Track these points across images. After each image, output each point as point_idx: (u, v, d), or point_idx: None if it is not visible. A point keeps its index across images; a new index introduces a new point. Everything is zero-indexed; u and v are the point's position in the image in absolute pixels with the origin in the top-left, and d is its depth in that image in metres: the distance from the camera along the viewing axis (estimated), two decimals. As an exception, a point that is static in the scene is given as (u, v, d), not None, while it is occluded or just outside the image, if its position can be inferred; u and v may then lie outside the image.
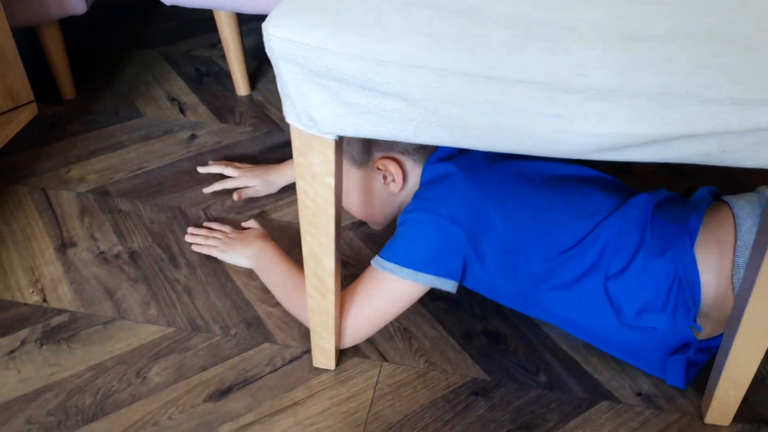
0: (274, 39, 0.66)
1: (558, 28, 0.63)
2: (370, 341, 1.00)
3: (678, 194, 0.98)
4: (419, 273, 0.90)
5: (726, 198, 0.92)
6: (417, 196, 0.97)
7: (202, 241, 1.14)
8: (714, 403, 0.87)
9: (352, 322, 0.94)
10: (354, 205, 1.06)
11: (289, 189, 1.25)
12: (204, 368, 0.97)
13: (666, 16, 0.64)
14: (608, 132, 0.64)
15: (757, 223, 0.85)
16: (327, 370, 0.96)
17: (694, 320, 0.86)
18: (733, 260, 0.85)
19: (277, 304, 1.05)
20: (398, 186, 1.00)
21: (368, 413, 0.91)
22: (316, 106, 0.69)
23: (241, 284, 1.09)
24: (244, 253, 1.10)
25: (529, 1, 0.66)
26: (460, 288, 0.94)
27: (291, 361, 0.98)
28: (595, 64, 0.61)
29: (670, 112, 0.62)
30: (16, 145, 1.35)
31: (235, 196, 1.23)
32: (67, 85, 1.49)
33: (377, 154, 0.99)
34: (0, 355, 0.98)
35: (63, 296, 1.06)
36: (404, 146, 0.99)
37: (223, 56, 1.55)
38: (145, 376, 0.95)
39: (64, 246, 1.15)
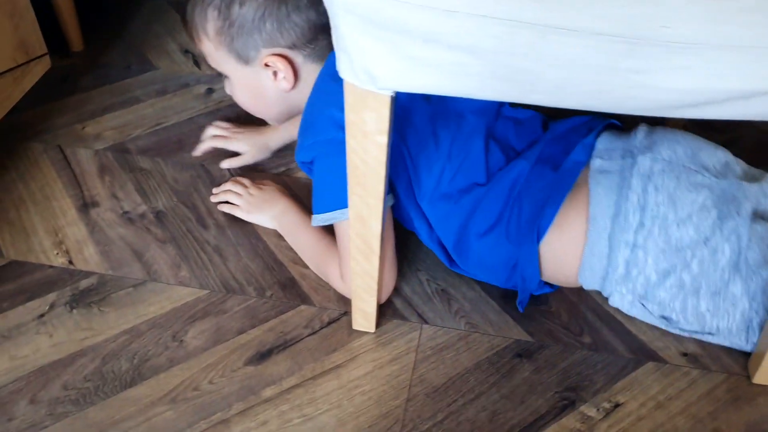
0: None
1: None
2: (408, 302, 0.98)
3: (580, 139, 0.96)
4: (339, 212, 0.90)
5: (591, 174, 0.90)
6: (315, 106, 0.93)
7: (223, 198, 1.10)
8: (764, 363, 0.87)
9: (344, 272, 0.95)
10: (245, 103, 1.04)
11: (285, 149, 1.20)
12: (242, 331, 0.94)
13: None
14: (690, 87, 0.61)
15: (611, 214, 0.86)
16: (367, 333, 0.94)
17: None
18: (582, 257, 0.89)
19: (311, 265, 1.03)
20: (289, 83, 0.97)
21: (412, 376, 0.90)
22: (374, 61, 0.66)
23: (273, 245, 1.06)
24: (268, 213, 1.07)
25: None
26: None
27: (329, 323, 0.96)
28: (681, 16, 0.57)
29: (758, 66, 0.59)
30: (27, 99, 1.29)
31: (224, 164, 1.17)
32: (75, 38, 1.43)
33: (264, 51, 0.95)
34: (30, 319, 0.95)
35: (90, 258, 1.03)
36: (293, 40, 0.94)
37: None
38: (181, 340, 0.93)
39: (86, 206, 1.11)
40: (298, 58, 0.96)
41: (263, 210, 1.08)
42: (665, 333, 0.94)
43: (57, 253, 1.04)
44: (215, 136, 1.18)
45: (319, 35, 0.95)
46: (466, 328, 0.95)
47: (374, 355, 0.92)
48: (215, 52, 0.97)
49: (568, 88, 0.63)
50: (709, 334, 0.89)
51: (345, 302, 0.98)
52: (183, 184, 1.15)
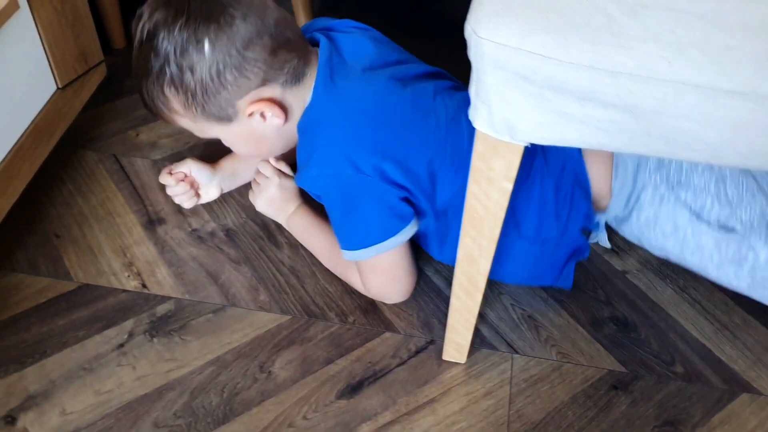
0: (488, 44, 0.59)
1: None
2: (495, 330, 0.96)
3: None
4: (382, 244, 0.89)
5: None
6: (323, 138, 0.87)
7: (260, 179, 1.03)
8: None
9: (376, 293, 0.97)
10: (249, 152, 0.98)
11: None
12: (329, 361, 0.92)
13: None
14: None
15: None
16: (457, 364, 0.93)
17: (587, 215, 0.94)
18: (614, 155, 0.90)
19: (391, 288, 1.01)
20: (281, 119, 0.88)
21: (509, 411, 0.88)
22: (519, 114, 0.63)
23: (348, 265, 1.03)
24: (284, 214, 1.03)
25: None
26: (579, 270, 0.96)
27: (417, 352, 0.94)
28: None
29: None
30: (76, 104, 1.25)
31: (186, 204, 1.06)
32: (117, 35, 1.37)
33: (240, 103, 0.85)
34: (109, 349, 0.92)
35: (163, 281, 1.00)
36: (261, 77, 0.84)
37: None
38: (269, 371, 0.91)
39: (152, 223, 1.08)
40: (276, 91, 0.87)
41: (284, 210, 1.03)
42: (757, 362, 0.94)
43: (128, 276, 1.01)
44: (180, 197, 1.06)
45: (280, 57, 0.85)
46: (557, 358, 0.94)
47: (467, 389, 0.90)
48: (195, 124, 0.89)
49: (729, 148, 0.60)
50: (733, 231, 0.88)
51: (430, 329, 0.96)
52: (249, 199, 1.11)
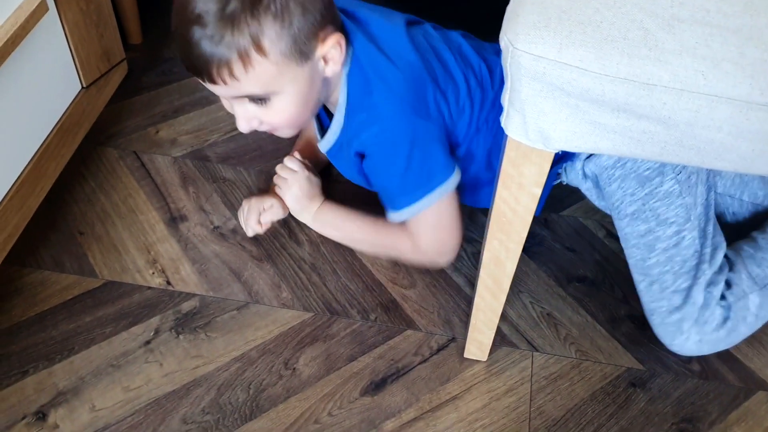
0: (525, 56, 0.60)
1: None
2: (515, 328, 0.98)
3: None
4: (445, 184, 0.90)
5: None
6: (385, 100, 0.86)
7: (281, 182, 1.02)
8: None
9: (434, 251, 0.97)
10: (292, 117, 0.87)
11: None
12: (352, 358, 0.94)
13: None
14: None
15: None
16: (478, 361, 0.94)
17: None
18: None
19: (411, 286, 1.02)
20: (340, 64, 0.85)
21: (530, 408, 0.90)
22: (553, 124, 0.64)
23: (369, 263, 1.05)
24: (310, 212, 1.02)
25: None
26: (596, 268, 0.99)
27: (439, 350, 0.96)
28: None
29: None
30: (95, 100, 1.26)
31: (262, 229, 1.05)
32: (134, 30, 1.37)
33: (320, 35, 0.81)
34: (136, 346, 0.94)
35: (187, 278, 1.02)
36: (332, 16, 0.83)
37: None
38: (294, 368, 0.93)
39: (174, 220, 1.09)
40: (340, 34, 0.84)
41: (310, 207, 1.02)
42: (772, 361, 0.95)
43: (153, 273, 1.02)
44: (258, 219, 1.04)
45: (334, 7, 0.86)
46: (576, 355, 0.95)
47: (489, 386, 0.92)
48: (272, 67, 0.79)
49: (759, 159, 0.61)
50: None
51: (451, 327, 0.98)
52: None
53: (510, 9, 0.63)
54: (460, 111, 0.93)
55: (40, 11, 0.87)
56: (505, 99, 0.65)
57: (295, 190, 1.01)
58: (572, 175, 0.96)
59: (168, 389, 0.90)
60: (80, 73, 1.01)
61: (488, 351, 0.93)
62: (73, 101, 1.00)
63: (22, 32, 0.84)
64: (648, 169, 0.83)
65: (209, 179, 1.15)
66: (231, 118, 1.25)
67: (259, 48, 0.76)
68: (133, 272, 1.02)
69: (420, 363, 0.94)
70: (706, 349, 0.91)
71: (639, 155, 0.65)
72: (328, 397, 0.90)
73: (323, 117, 0.99)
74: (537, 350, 0.96)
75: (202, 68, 0.78)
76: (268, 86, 0.81)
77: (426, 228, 0.94)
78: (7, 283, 0.99)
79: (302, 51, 0.80)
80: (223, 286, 1.01)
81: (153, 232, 1.07)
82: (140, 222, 1.09)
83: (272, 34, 0.76)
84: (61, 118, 0.98)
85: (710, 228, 0.88)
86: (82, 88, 1.03)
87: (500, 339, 0.97)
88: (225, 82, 0.79)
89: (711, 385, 0.93)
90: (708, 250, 0.87)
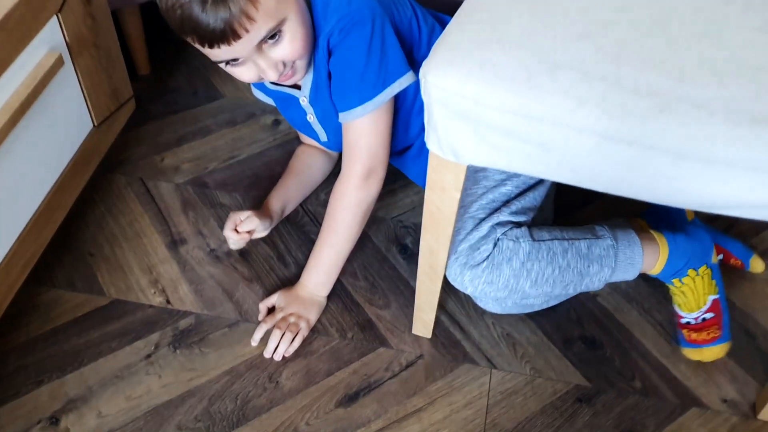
0: (433, 87, 0.72)
1: (692, 104, 0.68)
2: (477, 347, 1.09)
3: None
4: (400, 80, 0.99)
5: None
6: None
7: (285, 344, 1.07)
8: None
9: (369, 160, 1.03)
10: (300, 47, 0.96)
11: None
12: (330, 373, 1.05)
13: None
14: (723, 196, 0.70)
15: None
16: (442, 377, 1.05)
17: None
18: None
19: (386, 307, 1.13)
20: None
21: (485, 420, 1.01)
22: (459, 143, 0.76)
23: (348, 284, 1.16)
24: (317, 308, 1.11)
25: (668, 75, 0.70)
26: None
27: (407, 366, 1.07)
28: (721, 140, 0.66)
29: None
30: (106, 129, 1.38)
31: (236, 247, 1.18)
32: (142, 62, 1.50)
33: None
34: (138, 359, 1.06)
35: (185, 297, 1.14)
36: None
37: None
38: (277, 381, 1.04)
39: (174, 243, 1.21)
40: None
41: (314, 312, 1.10)
42: (708, 380, 1.06)
43: (154, 292, 1.14)
44: (236, 244, 1.17)
45: None
46: (531, 373, 1.06)
47: (450, 399, 1.03)
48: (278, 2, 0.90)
49: (621, 183, 0.73)
50: None
51: (419, 345, 1.09)
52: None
53: (433, 47, 0.75)
54: (419, 30, 1.03)
55: (57, 65, 0.99)
56: (426, 119, 0.77)
57: (311, 317, 1.10)
58: None
59: (165, 399, 1.02)
60: (92, 113, 1.13)
61: (431, 329, 1.07)
62: (85, 139, 1.12)
63: (41, 86, 0.96)
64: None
65: (207, 205, 1.27)
66: (229, 146, 1.37)
67: None
68: (137, 291, 1.14)
69: (390, 378, 1.05)
70: (474, 285, 0.98)
71: (530, 172, 0.77)
72: (307, 408, 1.02)
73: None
74: (495, 367, 1.07)
75: (226, 28, 0.86)
76: (277, 14, 0.90)
77: (364, 136, 1.02)
78: (25, 301, 1.11)
79: None
80: (217, 305, 1.13)
81: (155, 254, 1.19)
82: (144, 245, 1.21)
83: None
84: (74, 155, 1.10)
85: (536, 196, 1.01)
86: (94, 126, 1.15)
87: (463, 356, 1.08)
88: (247, 30, 0.88)
89: (650, 401, 1.04)
90: (520, 205, 0.98)
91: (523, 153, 0.74)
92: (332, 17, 0.96)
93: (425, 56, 0.83)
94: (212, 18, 0.85)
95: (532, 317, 1.13)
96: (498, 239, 0.96)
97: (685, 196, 0.73)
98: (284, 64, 0.97)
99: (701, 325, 1.05)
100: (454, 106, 0.72)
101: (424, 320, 1.07)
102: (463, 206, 0.99)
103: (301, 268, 1.18)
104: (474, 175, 1.01)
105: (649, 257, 1.04)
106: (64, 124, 1.08)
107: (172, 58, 1.56)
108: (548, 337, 1.10)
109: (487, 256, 0.96)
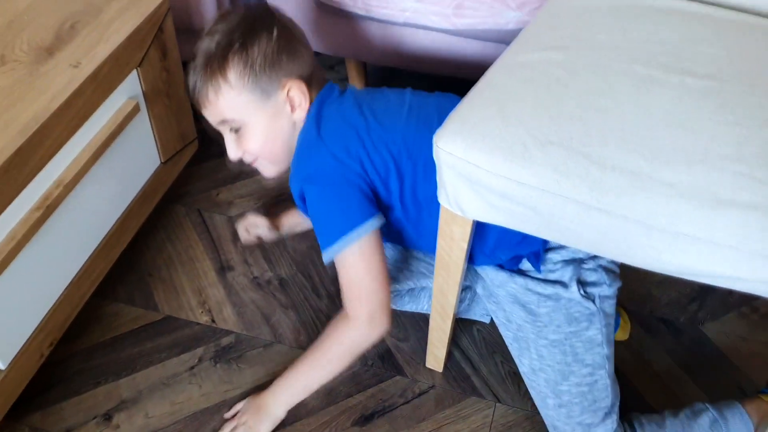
0: (442, 151, 0.84)
1: (662, 183, 0.78)
2: (485, 382, 1.20)
3: None
4: (352, 233, 0.95)
5: None
6: (318, 142, 0.99)
7: None
8: None
9: (367, 303, 1.00)
10: (260, 149, 1.05)
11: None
12: (349, 395, 1.18)
13: (752, 186, 0.77)
14: (689, 265, 0.80)
15: None
16: (450, 406, 1.17)
17: None
18: None
19: (405, 339, 1.25)
20: (304, 111, 1.03)
21: (486, 448, 1.12)
22: (464, 200, 0.88)
23: (374, 317, 1.29)
24: (268, 426, 1.11)
25: (644, 157, 0.80)
26: None
27: (420, 394, 1.18)
28: (685, 217, 0.77)
29: (740, 262, 0.77)
30: (171, 164, 1.55)
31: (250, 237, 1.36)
32: (208, 105, 1.67)
33: (285, 80, 1.02)
34: (183, 370, 1.21)
35: (228, 318, 1.28)
36: (301, 71, 1.03)
37: (342, 79, 1.71)
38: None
39: (223, 269, 1.36)
40: (307, 87, 1.04)
41: (265, 425, 1.10)
42: None
43: (202, 312, 1.29)
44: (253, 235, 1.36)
45: (314, 67, 1.06)
46: (531, 409, 1.16)
47: (456, 427, 1.14)
48: (237, 98, 1.00)
49: (602, 245, 0.84)
50: None
51: (432, 376, 1.20)
52: (300, 254, 1.39)
53: (447, 118, 0.87)
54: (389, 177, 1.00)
55: (134, 111, 1.16)
56: (438, 177, 0.89)
57: (260, 429, 1.10)
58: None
59: (204, 406, 1.16)
60: (160, 152, 1.30)
61: (443, 363, 1.19)
62: (152, 174, 1.29)
63: (119, 128, 1.13)
64: (579, 311, 0.99)
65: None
66: (278, 187, 1.53)
67: (225, 78, 1.00)
68: (187, 310, 1.29)
69: (403, 404, 1.17)
70: None
71: (525, 230, 0.88)
72: (326, 424, 1.14)
73: None
74: (500, 401, 1.17)
75: (192, 93, 1.04)
76: (235, 112, 1.02)
77: (353, 278, 0.99)
78: (90, 311, 1.27)
79: (264, 89, 1.01)
80: (255, 326, 1.27)
81: (206, 278, 1.35)
82: (197, 269, 1.36)
83: (237, 69, 1.00)
84: (143, 187, 1.26)
85: (612, 370, 1.02)
86: (161, 163, 1.31)
87: (471, 390, 1.19)
88: (204, 106, 1.04)
89: (640, 444, 1.13)
90: (616, 402, 1.03)
91: (517, 213, 0.86)
92: (296, 168, 1.02)
93: (403, 198, 0.98)
94: (189, 80, 1.04)
95: (538, 359, 1.23)
96: None
97: (658, 262, 0.83)
98: (243, 151, 1.07)
99: None
100: (459, 168, 0.85)
101: (436, 355, 1.18)
102: (565, 406, 1.02)
103: (332, 299, 1.31)
104: (558, 367, 1.02)
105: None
106: (136, 160, 1.25)
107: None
108: (551, 379, 1.21)
109: None
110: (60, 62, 1.05)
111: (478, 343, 1.25)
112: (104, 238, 1.19)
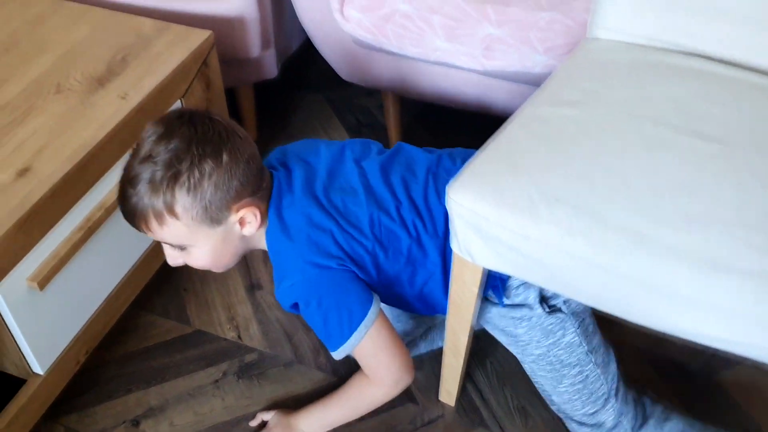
0: (453, 201, 0.90)
1: (661, 245, 0.82)
2: (493, 414, 1.24)
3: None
4: (359, 330, 1.00)
5: None
6: (296, 254, 0.99)
7: None
8: None
9: (390, 377, 1.07)
10: (206, 263, 1.03)
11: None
12: (361, 418, 1.23)
13: (748, 253, 0.80)
14: (685, 326, 0.84)
15: None
16: (458, 436, 1.22)
17: None
18: None
19: (419, 368, 1.30)
20: (255, 227, 1.00)
21: (488, 479, 1.16)
22: (474, 248, 0.92)
23: (392, 343, 1.34)
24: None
25: (647, 217, 0.84)
26: None
27: (428, 422, 1.23)
28: (682, 280, 0.80)
29: (735, 327, 0.81)
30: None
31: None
32: (251, 129, 1.75)
33: (234, 206, 0.96)
34: (208, 382, 1.28)
35: (253, 335, 1.35)
36: (252, 188, 0.97)
37: (380, 106, 1.77)
38: (317, 419, 1.23)
39: (252, 288, 1.43)
40: (258, 201, 1.00)
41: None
42: None
43: (229, 328, 1.36)
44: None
45: (260, 169, 1.00)
46: (535, 445, 1.21)
47: (461, 456, 1.19)
48: (184, 228, 0.95)
49: (604, 300, 0.88)
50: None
51: (442, 406, 1.25)
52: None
53: (460, 170, 0.92)
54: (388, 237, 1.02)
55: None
56: (451, 225, 0.94)
57: None
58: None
59: (225, 418, 1.23)
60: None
61: (455, 397, 1.23)
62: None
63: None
64: (551, 324, 1.05)
65: (284, 258, 1.49)
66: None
67: (172, 212, 0.93)
68: (216, 325, 1.37)
69: (411, 431, 1.22)
70: None
71: (532, 280, 0.93)
72: (338, 444, 1.20)
73: None
74: (505, 435, 1.22)
75: (130, 218, 0.96)
76: (181, 240, 0.98)
77: (370, 358, 1.06)
78: (127, 321, 1.36)
79: (213, 218, 0.95)
80: (278, 345, 1.34)
81: (236, 295, 1.42)
82: (228, 286, 1.44)
83: (185, 203, 0.92)
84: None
85: (599, 359, 1.07)
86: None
87: (479, 421, 1.23)
88: (143, 231, 0.98)
89: (641, 487, 1.15)
90: (613, 384, 1.09)
91: (523, 264, 0.90)
92: (280, 277, 1.02)
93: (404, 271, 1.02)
94: (125, 206, 0.96)
95: (547, 395, 1.27)
96: None
97: (655, 320, 0.87)
98: (184, 262, 1.04)
99: None
100: (469, 219, 0.90)
101: (448, 390, 1.22)
102: (568, 402, 1.10)
103: (353, 323, 1.37)
104: (550, 375, 1.08)
105: None
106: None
107: (277, 126, 1.82)
108: (560, 417, 1.24)
109: None
110: (109, 93, 1.14)
111: (490, 375, 1.29)
112: (142, 255, 1.27)
